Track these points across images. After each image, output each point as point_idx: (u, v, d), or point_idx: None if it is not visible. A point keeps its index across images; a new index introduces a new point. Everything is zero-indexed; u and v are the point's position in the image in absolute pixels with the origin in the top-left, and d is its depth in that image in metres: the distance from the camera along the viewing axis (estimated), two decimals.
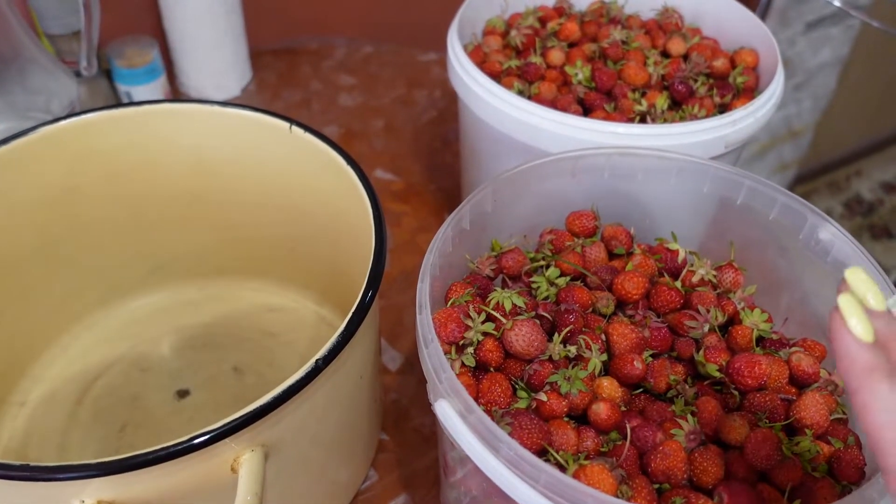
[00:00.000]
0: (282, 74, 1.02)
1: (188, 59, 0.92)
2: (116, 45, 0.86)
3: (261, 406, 0.37)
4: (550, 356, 0.43)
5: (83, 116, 0.55)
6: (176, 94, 0.95)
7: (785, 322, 0.51)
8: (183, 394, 0.60)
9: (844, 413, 0.44)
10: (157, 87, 0.88)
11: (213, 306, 0.67)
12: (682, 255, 0.51)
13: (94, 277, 0.63)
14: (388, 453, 0.60)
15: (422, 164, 0.88)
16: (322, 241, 0.61)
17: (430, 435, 0.61)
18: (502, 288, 0.47)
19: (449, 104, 0.98)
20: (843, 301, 0.29)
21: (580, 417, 0.42)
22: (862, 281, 0.29)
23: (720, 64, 0.66)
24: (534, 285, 0.49)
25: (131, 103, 0.56)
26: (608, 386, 0.42)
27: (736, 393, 0.44)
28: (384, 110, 0.97)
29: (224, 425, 0.37)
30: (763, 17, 1.46)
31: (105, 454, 0.55)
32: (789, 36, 1.58)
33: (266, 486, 0.39)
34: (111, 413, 0.59)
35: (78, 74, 0.75)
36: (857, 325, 0.28)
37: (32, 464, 0.35)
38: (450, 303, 0.46)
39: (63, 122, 0.54)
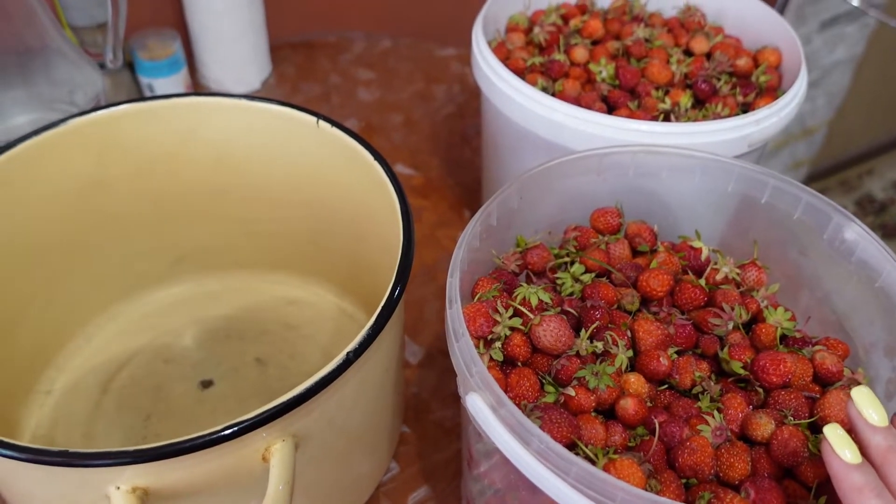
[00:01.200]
0: (300, 68, 1.02)
1: (209, 52, 0.92)
2: (139, 37, 0.87)
3: (293, 397, 0.38)
4: (577, 352, 0.43)
5: (111, 109, 0.55)
6: (197, 87, 0.96)
7: (808, 321, 0.51)
8: (206, 384, 0.61)
9: None
10: (179, 79, 0.88)
11: (235, 298, 0.67)
12: (705, 252, 0.51)
13: (118, 269, 0.63)
14: (409, 446, 0.61)
15: (441, 159, 0.89)
16: (345, 235, 0.61)
17: (451, 428, 0.62)
18: (527, 283, 0.48)
19: (468, 99, 0.99)
20: (830, 432, 0.33)
21: (607, 412, 0.43)
22: (869, 400, 0.34)
23: (743, 63, 0.66)
24: (558, 281, 0.49)
25: (158, 96, 0.57)
26: (635, 382, 0.43)
27: (760, 390, 0.44)
28: (403, 105, 0.97)
29: (258, 415, 0.37)
30: (779, 14, 1.46)
31: (131, 443, 0.56)
32: (804, 34, 1.58)
33: (295, 476, 0.40)
34: (135, 403, 0.59)
35: (102, 66, 0.76)
36: (847, 453, 0.32)
37: (71, 450, 0.36)
38: (476, 297, 0.46)
39: (91, 115, 0.55)
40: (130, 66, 0.87)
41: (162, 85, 0.87)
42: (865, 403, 0.33)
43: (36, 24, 0.67)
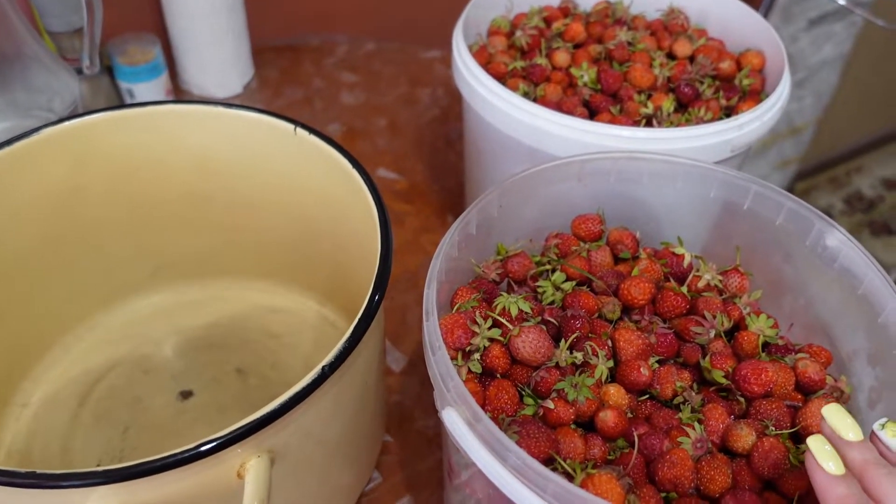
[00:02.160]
0: (283, 72, 1.01)
1: (190, 57, 0.91)
2: (118, 42, 0.86)
3: (268, 413, 0.37)
4: (557, 363, 0.43)
5: (87, 117, 0.55)
6: (178, 92, 0.95)
7: (790, 327, 0.51)
8: (186, 395, 0.60)
9: None
10: (159, 84, 0.87)
11: (216, 307, 0.67)
12: (687, 259, 0.51)
13: (97, 278, 0.63)
14: (392, 455, 0.60)
15: (425, 163, 0.88)
16: (325, 243, 0.61)
17: (434, 437, 0.61)
18: (508, 292, 0.47)
19: (452, 103, 0.98)
20: (814, 444, 0.33)
21: (587, 425, 0.42)
22: (839, 417, 0.33)
23: (726, 66, 0.66)
24: (539, 290, 0.49)
25: (135, 104, 0.56)
26: (615, 393, 0.42)
27: (742, 399, 0.44)
28: (387, 108, 0.96)
29: (231, 432, 0.36)
30: (766, 13, 1.46)
31: (109, 456, 0.56)
32: (792, 32, 1.58)
33: (272, 491, 0.39)
34: (114, 415, 0.59)
35: (80, 72, 0.75)
36: (830, 465, 0.32)
37: (38, 471, 0.35)
38: (455, 308, 0.46)
39: (67, 123, 0.54)
40: (110, 71, 0.86)
41: (142, 90, 0.86)
42: (837, 421, 0.33)
43: (11, 30, 0.66)
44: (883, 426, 0.33)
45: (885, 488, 0.30)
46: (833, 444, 0.33)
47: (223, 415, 0.59)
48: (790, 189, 1.88)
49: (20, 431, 0.57)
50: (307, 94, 0.97)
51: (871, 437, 0.33)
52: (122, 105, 0.56)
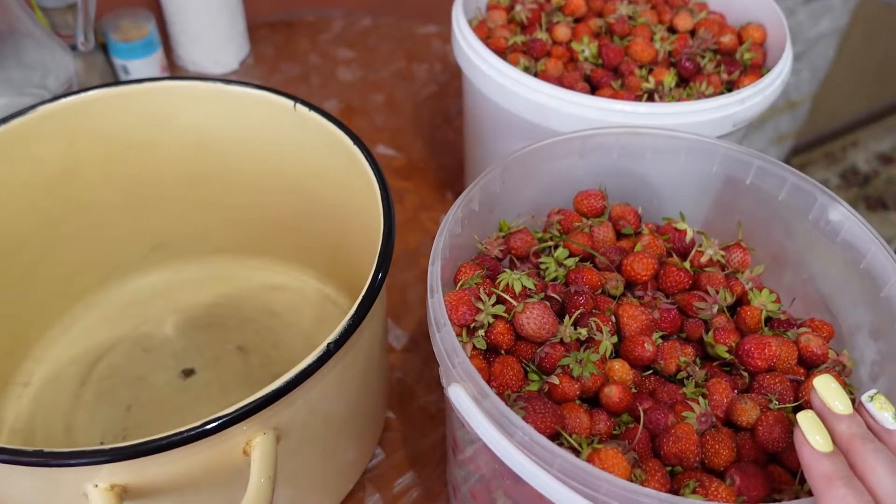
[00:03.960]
0: (279, 48, 1.00)
1: (185, 33, 0.90)
2: (112, 18, 0.84)
3: (273, 390, 0.37)
4: (561, 339, 0.43)
5: (82, 95, 0.54)
6: (173, 68, 0.94)
7: (793, 302, 0.51)
8: (188, 373, 0.60)
9: (852, 394, 0.44)
10: (154, 60, 0.86)
11: (216, 286, 0.66)
12: (690, 234, 0.51)
13: (95, 257, 0.62)
14: (395, 432, 0.60)
15: (423, 140, 0.88)
16: (326, 220, 0.61)
17: (436, 413, 0.62)
18: (511, 269, 0.47)
19: (450, 78, 0.97)
20: (803, 418, 0.33)
21: (591, 400, 0.42)
22: (828, 389, 0.34)
23: (727, 40, 0.65)
24: (542, 266, 0.49)
25: (131, 81, 0.55)
26: (619, 368, 0.42)
27: (745, 374, 0.44)
28: (384, 85, 0.96)
29: (237, 410, 0.36)
30: None
31: (112, 434, 0.56)
32: (789, 6, 1.57)
33: (277, 468, 0.39)
34: (116, 393, 0.59)
35: (74, 49, 0.74)
36: (818, 440, 0.32)
37: (45, 450, 0.35)
38: (459, 285, 0.46)
39: (62, 101, 0.53)
40: (104, 47, 0.85)
41: (137, 67, 0.85)
42: (827, 392, 0.33)
43: (4, 6, 0.65)
44: (872, 398, 0.33)
45: (870, 462, 0.31)
46: (822, 417, 0.33)
47: (226, 393, 0.59)
48: (786, 164, 1.87)
49: (22, 411, 0.57)
50: (303, 71, 0.97)
51: (859, 407, 0.33)
52: (117, 82, 0.56)
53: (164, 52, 0.89)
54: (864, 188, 1.96)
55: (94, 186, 0.58)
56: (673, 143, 0.53)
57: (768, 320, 0.47)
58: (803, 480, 0.38)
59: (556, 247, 0.50)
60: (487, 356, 0.44)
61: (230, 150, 0.59)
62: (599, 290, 0.47)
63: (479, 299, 0.43)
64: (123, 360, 0.61)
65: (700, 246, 0.50)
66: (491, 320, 0.43)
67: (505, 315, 0.43)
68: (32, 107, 0.52)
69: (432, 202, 0.80)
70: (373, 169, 0.49)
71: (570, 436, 0.39)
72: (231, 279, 0.67)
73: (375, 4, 1.08)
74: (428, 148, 0.87)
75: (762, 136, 1.81)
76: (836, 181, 1.96)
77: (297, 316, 0.64)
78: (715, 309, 0.46)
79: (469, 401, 0.37)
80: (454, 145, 0.87)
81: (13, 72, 0.67)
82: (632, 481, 0.36)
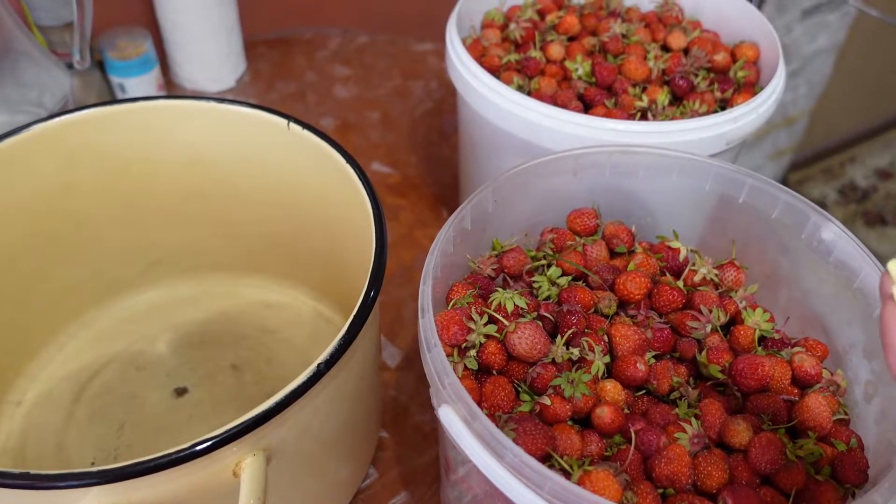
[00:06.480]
0: (276, 65, 1.01)
1: (182, 51, 0.91)
2: (108, 36, 0.85)
3: (263, 411, 0.37)
4: (553, 359, 0.43)
5: (78, 113, 0.54)
6: (170, 86, 0.94)
7: (787, 321, 0.51)
8: (181, 392, 0.60)
9: (846, 414, 0.44)
10: (151, 78, 0.87)
11: (210, 303, 0.66)
12: (683, 253, 0.50)
13: (90, 274, 0.62)
14: (388, 451, 0.60)
15: (419, 156, 0.88)
16: (320, 237, 0.61)
17: (430, 432, 0.61)
18: (503, 288, 0.47)
19: (445, 95, 0.97)
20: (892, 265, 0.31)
21: (583, 421, 0.42)
22: None
23: (721, 58, 0.65)
24: (535, 285, 0.49)
25: (127, 100, 0.55)
26: (611, 389, 0.42)
27: (738, 394, 0.44)
28: (380, 102, 0.96)
29: (226, 431, 0.36)
30: (760, 4, 1.46)
31: (104, 454, 0.56)
32: (786, 23, 1.58)
33: (268, 489, 0.39)
34: (108, 412, 0.58)
35: (70, 67, 0.74)
36: None
37: (33, 471, 0.35)
38: (451, 304, 0.46)
39: (58, 119, 0.53)
40: (101, 65, 0.86)
41: (133, 84, 0.85)
42: None
43: (0, 25, 0.65)
44: None
45: None
46: None
47: (219, 411, 0.59)
48: (784, 180, 1.88)
49: (14, 429, 0.56)
50: (300, 88, 0.97)
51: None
52: (113, 101, 0.56)
53: (160, 70, 0.89)
54: (863, 203, 1.96)
55: (90, 204, 0.58)
56: (665, 161, 0.53)
57: (762, 339, 0.47)
58: (796, 502, 0.38)
59: (548, 266, 0.50)
60: (479, 376, 0.44)
61: (225, 168, 0.60)
62: (592, 310, 0.47)
63: (471, 319, 0.43)
64: (117, 378, 0.61)
65: (693, 265, 0.50)
66: (483, 340, 0.43)
67: (497, 335, 0.43)
68: (28, 125, 0.52)
69: (428, 219, 0.80)
70: (365, 187, 0.49)
71: (562, 457, 0.38)
72: (225, 296, 0.67)
73: (372, 22, 1.09)
74: (424, 165, 0.87)
75: (760, 151, 1.82)
76: (834, 196, 1.96)
77: (292, 333, 0.64)
78: (708, 328, 0.46)
79: (459, 422, 0.37)
80: (450, 162, 0.87)
81: (9, 90, 0.67)
82: None
